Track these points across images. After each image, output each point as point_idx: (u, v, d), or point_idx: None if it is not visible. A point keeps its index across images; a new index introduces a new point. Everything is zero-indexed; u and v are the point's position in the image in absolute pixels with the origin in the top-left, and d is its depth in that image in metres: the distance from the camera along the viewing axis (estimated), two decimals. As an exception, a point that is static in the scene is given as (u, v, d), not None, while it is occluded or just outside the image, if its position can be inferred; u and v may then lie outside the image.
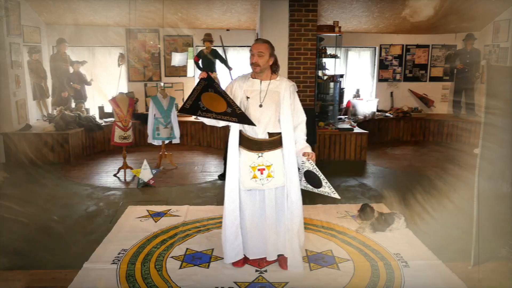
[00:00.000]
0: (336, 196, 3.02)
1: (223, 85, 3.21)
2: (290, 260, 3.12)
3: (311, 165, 3.02)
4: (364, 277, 3.07)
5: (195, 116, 3.12)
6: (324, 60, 7.06)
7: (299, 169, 3.07)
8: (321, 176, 3.00)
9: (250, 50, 2.98)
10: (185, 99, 2.94)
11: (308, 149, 3.05)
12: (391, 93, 8.98)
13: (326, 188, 3.01)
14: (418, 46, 8.86)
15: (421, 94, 8.88)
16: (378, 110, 8.55)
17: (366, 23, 8.18)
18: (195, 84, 3.04)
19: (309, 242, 3.59)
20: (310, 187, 3.10)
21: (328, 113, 7.17)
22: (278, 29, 6.36)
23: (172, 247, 3.55)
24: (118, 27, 8.22)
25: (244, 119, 2.91)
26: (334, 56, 6.98)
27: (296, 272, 3.12)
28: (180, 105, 7.58)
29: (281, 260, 3.20)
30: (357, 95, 8.60)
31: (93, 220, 4.21)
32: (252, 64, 2.97)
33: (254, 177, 3.00)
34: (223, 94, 2.92)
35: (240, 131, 3.06)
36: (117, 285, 2.96)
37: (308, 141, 3.12)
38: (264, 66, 2.97)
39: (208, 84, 2.93)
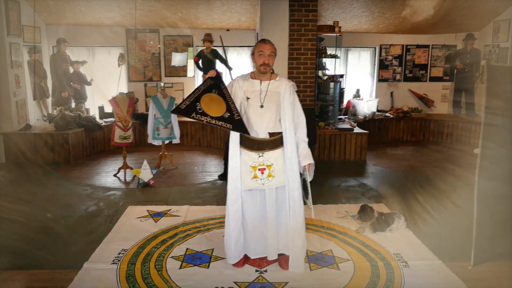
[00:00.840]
0: (312, 214, 3.15)
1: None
2: (292, 259, 3.12)
3: (307, 175, 3.02)
4: (364, 277, 3.07)
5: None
6: (324, 60, 7.05)
7: (301, 174, 3.07)
8: (309, 190, 3.02)
9: (260, 51, 2.94)
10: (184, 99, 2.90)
11: (307, 159, 3.00)
12: (391, 93, 8.98)
13: (309, 203, 3.05)
14: (418, 46, 8.87)
15: (421, 94, 8.88)
16: (378, 110, 8.55)
17: (366, 23, 8.19)
18: (195, 83, 3.02)
19: (309, 242, 3.57)
20: (303, 193, 3.12)
21: (328, 113, 7.17)
22: (278, 29, 6.36)
23: (172, 247, 3.55)
24: (118, 27, 8.22)
25: (239, 127, 2.88)
26: (334, 56, 6.98)
27: (296, 272, 3.12)
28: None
29: (282, 260, 3.20)
30: (357, 95, 8.60)
31: (93, 220, 4.21)
32: (263, 64, 2.94)
33: (255, 177, 3.00)
34: (226, 97, 2.89)
35: (241, 131, 3.06)
36: (117, 285, 2.96)
37: (308, 141, 3.10)
38: (272, 67, 2.99)
39: (214, 84, 2.90)
